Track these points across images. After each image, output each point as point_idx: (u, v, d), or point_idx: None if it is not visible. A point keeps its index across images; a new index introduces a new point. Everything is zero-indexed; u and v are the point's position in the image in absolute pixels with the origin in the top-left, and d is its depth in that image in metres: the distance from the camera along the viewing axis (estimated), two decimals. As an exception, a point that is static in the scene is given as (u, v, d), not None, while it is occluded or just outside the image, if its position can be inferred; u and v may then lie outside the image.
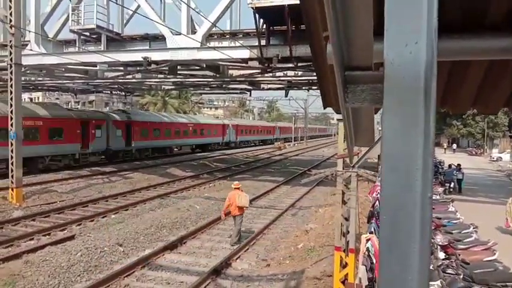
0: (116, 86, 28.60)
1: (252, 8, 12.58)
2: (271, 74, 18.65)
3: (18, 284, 7.50)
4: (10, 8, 14.98)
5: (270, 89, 26.32)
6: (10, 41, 15.25)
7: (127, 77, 20.62)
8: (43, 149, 22.27)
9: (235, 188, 11.30)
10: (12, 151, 15.44)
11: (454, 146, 52.21)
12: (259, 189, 19.63)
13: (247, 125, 58.82)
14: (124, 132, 29.62)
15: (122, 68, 18.53)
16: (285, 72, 18.27)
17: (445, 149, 48.49)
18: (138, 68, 17.69)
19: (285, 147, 56.63)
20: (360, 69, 1.27)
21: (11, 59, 15.24)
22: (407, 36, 0.84)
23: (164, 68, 17.51)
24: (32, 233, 11.42)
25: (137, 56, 15.59)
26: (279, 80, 20.94)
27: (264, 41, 14.29)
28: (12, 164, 15.37)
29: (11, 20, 14.94)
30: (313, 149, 56.48)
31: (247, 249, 10.64)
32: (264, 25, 14.00)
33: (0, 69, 18.52)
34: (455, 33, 2.01)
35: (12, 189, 15.22)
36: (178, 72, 18.97)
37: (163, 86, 29.58)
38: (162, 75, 20.18)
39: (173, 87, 30.08)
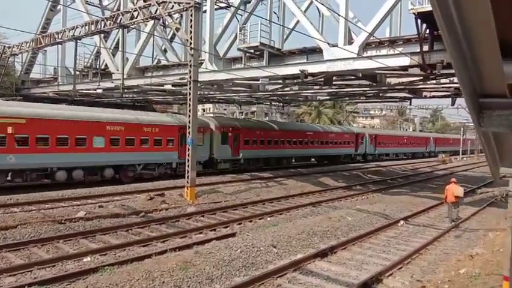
0: (275, 98, 30.45)
1: (414, 13, 11.99)
2: (434, 81, 17.30)
3: (189, 270, 8.66)
4: (191, 32, 17.49)
5: (433, 96, 24.46)
6: (190, 61, 17.78)
7: (285, 89, 21.81)
8: None
9: (453, 182, 15.25)
10: (188, 155, 17.92)
11: None
12: (418, 206, 18.27)
13: (389, 136, 52.66)
14: (230, 141, 27.38)
15: (281, 81, 19.72)
16: (451, 78, 16.72)
17: None
18: (295, 81, 18.57)
19: (451, 161, 51.44)
20: (494, 97, 1.24)
21: (190, 77, 17.76)
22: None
23: (320, 80, 17.95)
24: (202, 227, 13.06)
25: (295, 69, 16.41)
26: (444, 88, 19.25)
27: (427, 46, 13.42)
28: (188, 166, 17.84)
29: (191, 43, 17.44)
30: (486, 164, 49.60)
31: (401, 267, 10.06)
32: (427, 30, 13.13)
33: (180, 85, 21.77)
34: None
35: (187, 188, 17.66)
36: (334, 82, 19.18)
37: (318, 97, 30.23)
38: (317, 86, 20.70)
39: (328, 97, 30.49)
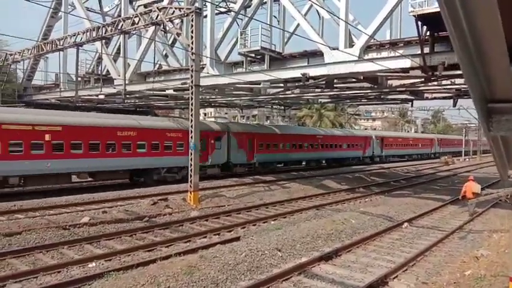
0: (277, 101, 30.46)
1: (414, 16, 12.04)
2: (436, 83, 17.32)
3: (194, 275, 8.65)
4: (192, 37, 17.56)
5: (434, 98, 24.48)
6: (191, 66, 17.84)
7: (287, 92, 21.84)
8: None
9: (471, 180, 16.57)
10: (191, 159, 17.94)
11: None
12: (421, 207, 18.25)
13: (274, 135, 32.25)
14: None
15: (282, 85, 19.76)
16: (452, 80, 16.73)
17: None
18: (297, 84, 18.60)
19: (454, 162, 51.13)
20: (503, 102, 1.27)
21: (192, 81, 17.81)
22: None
23: (321, 83, 17.98)
24: (206, 231, 13.06)
25: (296, 73, 16.45)
26: (446, 89, 19.26)
27: (428, 48, 13.45)
28: (191, 170, 17.85)
29: (192, 48, 17.50)
30: (489, 165, 49.31)
31: (406, 269, 10.04)
32: (428, 32, 13.18)
33: (182, 90, 21.82)
34: None
35: (190, 192, 17.68)
36: (335, 85, 19.22)
37: (319, 100, 30.26)
38: (319, 89, 20.73)
39: (329, 100, 30.53)
